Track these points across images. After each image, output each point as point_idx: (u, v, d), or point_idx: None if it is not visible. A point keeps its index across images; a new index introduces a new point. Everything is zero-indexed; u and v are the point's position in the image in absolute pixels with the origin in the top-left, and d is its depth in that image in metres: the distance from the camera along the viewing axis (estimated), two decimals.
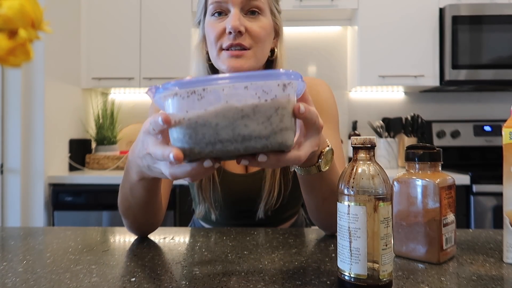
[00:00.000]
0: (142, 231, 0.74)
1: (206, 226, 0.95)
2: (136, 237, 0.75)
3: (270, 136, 0.41)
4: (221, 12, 0.77)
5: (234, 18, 0.74)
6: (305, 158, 0.47)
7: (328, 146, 0.58)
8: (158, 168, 0.49)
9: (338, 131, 0.87)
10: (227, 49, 0.76)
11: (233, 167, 0.87)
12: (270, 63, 0.85)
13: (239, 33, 0.74)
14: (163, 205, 0.78)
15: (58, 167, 2.14)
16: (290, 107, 0.43)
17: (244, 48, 0.76)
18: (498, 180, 1.87)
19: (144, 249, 0.66)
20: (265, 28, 0.77)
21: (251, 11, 0.76)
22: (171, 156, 0.41)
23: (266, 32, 0.78)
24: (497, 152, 2.34)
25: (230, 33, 0.74)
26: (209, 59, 0.83)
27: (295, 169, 0.61)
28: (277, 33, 0.84)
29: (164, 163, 0.47)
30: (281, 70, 0.42)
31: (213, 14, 0.78)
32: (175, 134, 0.43)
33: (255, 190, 0.84)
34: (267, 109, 0.41)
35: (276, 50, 0.83)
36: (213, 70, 0.85)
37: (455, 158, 2.37)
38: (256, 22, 0.77)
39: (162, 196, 0.78)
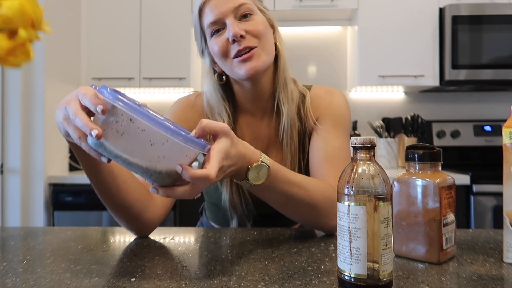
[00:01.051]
0: (124, 219, 0.71)
1: (216, 226, 0.95)
2: (136, 237, 0.75)
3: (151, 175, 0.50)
4: (219, 29, 0.79)
5: (232, 27, 0.76)
6: (214, 176, 0.52)
7: (259, 161, 0.62)
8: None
9: (346, 135, 0.87)
10: (237, 56, 0.77)
11: None
12: (275, 57, 0.85)
13: (241, 37, 0.76)
14: (160, 201, 0.76)
15: (58, 167, 2.14)
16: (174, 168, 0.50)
17: (251, 48, 0.77)
18: (498, 180, 1.86)
19: (144, 249, 0.66)
20: (263, 23, 0.80)
21: (243, 16, 0.79)
22: (93, 133, 0.47)
23: (264, 26, 0.80)
24: (497, 152, 2.34)
25: (234, 41, 0.76)
26: (220, 79, 0.85)
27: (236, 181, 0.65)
28: (273, 27, 0.86)
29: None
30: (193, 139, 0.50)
31: (212, 35, 0.80)
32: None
33: None
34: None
35: (277, 44, 0.85)
36: (225, 90, 0.86)
37: (455, 158, 2.37)
38: (252, 22, 0.79)
39: None
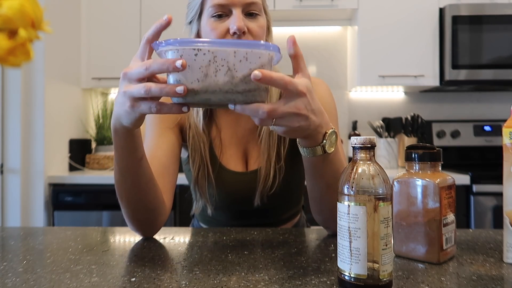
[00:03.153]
0: (140, 221, 0.71)
1: (205, 227, 0.95)
2: (136, 237, 0.75)
3: (235, 94, 0.50)
4: (222, 14, 0.77)
5: (238, 19, 0.75)
6: (277, 114, 0.51)
7: (332, 128, 0.59)
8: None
9: (337, 128, 0.87)
10: None
11: (234, 165, 0.87)
12: None
13: (243, 33, 0.76)
14: (166, 201, 0.76)
15: (58, 167, 2.14)
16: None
17: None
18: (498, 180, 1.87)
19: (144, 249, 0.66)
20: (263, 27, 0.80)
21: (250, 13, 0.78)
22: (178, 63, 0.49)
23: (263, 31, 0.80)
24: (497, 152, 2.34)
25: (234, 33, 0.75)
26: None
27: (301, 151, 0.62)
28: (268, 30, 0.86)
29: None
30: (261, 42, 0.51)
31: (213, 16, 0.78)
32: (171, 79, 0.52)
33: (252, 186, 0.85)
34: (238, 71, 0.49)
35: None
36: None
37: (455, 158, 2.37)
38: (255, 22, 0.78)
39: (165, 192, 0.77)
